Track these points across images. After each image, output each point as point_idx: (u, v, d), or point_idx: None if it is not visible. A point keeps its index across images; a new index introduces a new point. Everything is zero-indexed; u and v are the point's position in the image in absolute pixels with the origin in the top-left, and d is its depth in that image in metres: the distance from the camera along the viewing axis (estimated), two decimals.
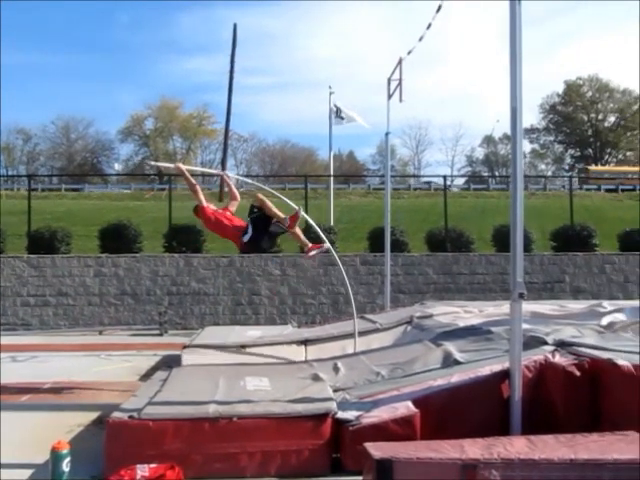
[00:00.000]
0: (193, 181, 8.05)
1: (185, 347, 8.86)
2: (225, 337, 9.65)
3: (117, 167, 73.37)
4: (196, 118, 73.67)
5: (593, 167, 64.27)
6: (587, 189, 46.07)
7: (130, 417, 5.13)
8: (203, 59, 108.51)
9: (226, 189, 7.99)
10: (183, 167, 8.22)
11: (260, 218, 7.64)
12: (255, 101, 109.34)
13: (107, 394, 7.96)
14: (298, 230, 7.97)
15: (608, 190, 45.96)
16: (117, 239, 16.18)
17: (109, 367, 10.15)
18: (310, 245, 8.03)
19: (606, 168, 65.22)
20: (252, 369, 6.95)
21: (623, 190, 46.24)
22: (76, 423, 6.46)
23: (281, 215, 7.67)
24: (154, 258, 15.94)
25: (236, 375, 6.52)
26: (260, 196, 7.74)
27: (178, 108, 73.12)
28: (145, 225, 18.01)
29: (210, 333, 10.58)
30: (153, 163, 9.00)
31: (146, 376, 8.71)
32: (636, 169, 55.65)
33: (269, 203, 7.66)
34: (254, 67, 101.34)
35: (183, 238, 16.38)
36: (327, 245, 8.28)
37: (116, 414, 5.24)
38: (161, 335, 14.22)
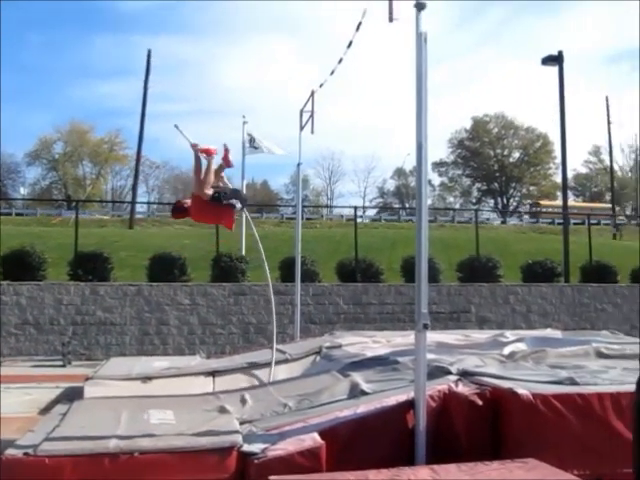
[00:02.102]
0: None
1: (88, 379, 8.57)
2: (130, 368, 9.38)
3: (23, 191, 71.11)
4: (107, 143, 72.41)
5: (545, 202, 66.72)
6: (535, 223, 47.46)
7: (25, 454, 4.90)
8: (116, 83, 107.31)
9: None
10: (201, 147, 7.83)
11: (224, 194, 7.56)
12: (169, 127, 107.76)
13: (4, 429, 7.55)
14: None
15: (559, 224, 47.84)
16: (20, 266, 15.55)
17: (7, 400, 9.67)
18: (223, 159, 7.90)
19: (555, 203, 67.74)
20: (157, 402, 6.77)
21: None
22: None
23: (217, 171, 7.66)
24: (58, 286, 15.43)
25: (140, 408, 6.34)
26: (205, 188, 7.55)
27: (89, 132, 71.73)
28: (50, 252, 17.44)
29: (115, 364, 10.27)
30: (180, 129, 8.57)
31: (46, 410, 8.34)
32: (582, 204, 58.59)
33: (207, 178, 7.54)
34: (168, 93, 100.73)
35: (89, 266, 15.93)
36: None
37: (10, 451, 4.99)
38: (64, 366, 13.71)
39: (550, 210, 60.16)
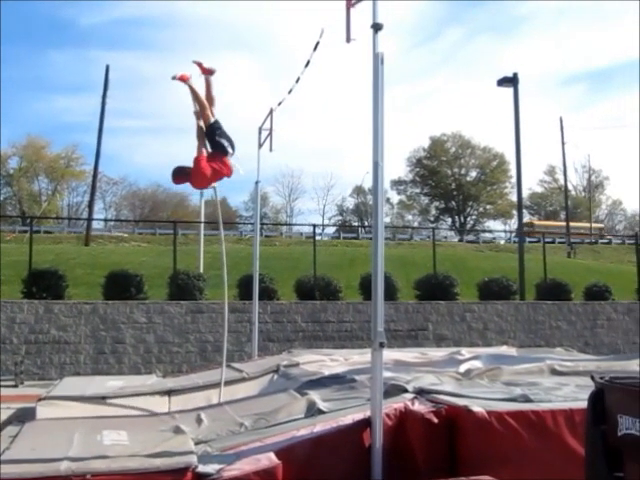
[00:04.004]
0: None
1: (40, 399, 8.39)
2: (84, 388, 9.21)
3: None
4: (64, 159, 71.29)
5: (537, 222, 67.27)
6: (530, 242, 47.95)
7: None
8: (74, 99, 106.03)
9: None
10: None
11: (213, 129, 7.57)
12: (127, 144, 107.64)
13: None
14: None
15: (548, 242, 48.26)
16: None
17: None
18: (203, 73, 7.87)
19: (549, 223, 68.30)
20: (111, 422, 6.66)
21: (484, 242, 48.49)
22: None
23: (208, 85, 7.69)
24: (11, 304, 15.10)
25: (93, 429, 6.22)
26: (208, 112, 7.60)
27: (45, 148, 70.55)
28: (4, 269, 17.15)
29: (69, 384, 10.07)
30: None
31: None
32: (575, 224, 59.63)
33: (201, 101, 7.59)
34: (128, 109, 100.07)
35: (44, 283, 15.64)
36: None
37: None
38: (16, 386, 13.40)
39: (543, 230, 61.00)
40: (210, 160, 7.56)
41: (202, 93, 7.82)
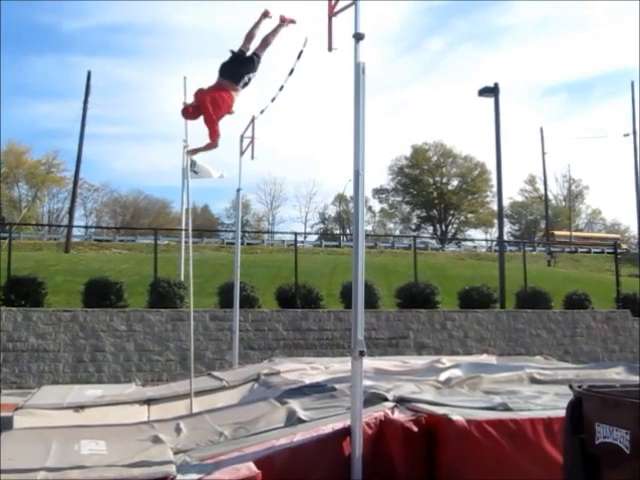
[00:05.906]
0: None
1: (18, 408, 8.30)
2: (63, 397, 9.12)
3: None
4: (45, 165, 70.76)
5: (558, 232, 67.54)
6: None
7: None
8: (55, 104, 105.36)
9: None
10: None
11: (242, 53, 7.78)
12: (109, 150, 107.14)
13: None
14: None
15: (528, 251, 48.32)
16: None
17: None
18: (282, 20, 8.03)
19: (568, 233, 68.55)
20: (89, 431, 6.59)
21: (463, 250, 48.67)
22: None
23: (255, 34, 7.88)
24: None
25: (71, 438, 6.15)
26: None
27: (25, 154, 70.00)
28: None
29: (47, 393, 9.97)
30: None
31: None
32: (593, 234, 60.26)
33: (250, 34, 7.91)
34: (110, 116, 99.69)
35: (23, 291, 15.48)
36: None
37: None
38: None
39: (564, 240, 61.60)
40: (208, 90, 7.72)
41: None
